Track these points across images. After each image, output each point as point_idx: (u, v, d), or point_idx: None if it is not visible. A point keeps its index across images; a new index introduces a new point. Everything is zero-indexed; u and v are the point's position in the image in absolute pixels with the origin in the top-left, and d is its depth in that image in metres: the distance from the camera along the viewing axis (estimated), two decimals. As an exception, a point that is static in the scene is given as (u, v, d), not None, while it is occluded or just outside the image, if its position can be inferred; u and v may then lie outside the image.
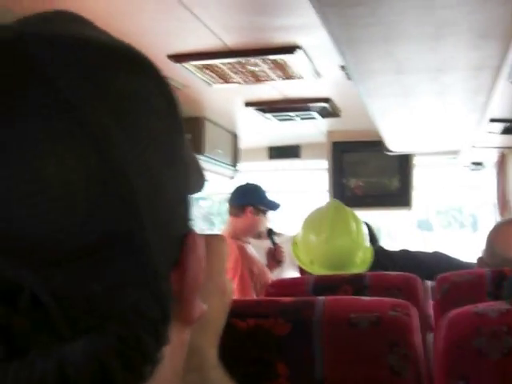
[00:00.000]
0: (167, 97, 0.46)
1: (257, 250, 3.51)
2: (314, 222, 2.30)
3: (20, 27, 0.40)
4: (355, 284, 1.93)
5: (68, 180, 0.36)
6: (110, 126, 0.38)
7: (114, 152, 0.38)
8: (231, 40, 2.26)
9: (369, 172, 4.12)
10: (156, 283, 0.41)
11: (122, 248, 0.38)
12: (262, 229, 3.56)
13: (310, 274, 2.22)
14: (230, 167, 3.95)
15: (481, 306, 1.26)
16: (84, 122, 0.37)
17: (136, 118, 0.40)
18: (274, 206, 3.56)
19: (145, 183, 0.39)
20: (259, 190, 3.56)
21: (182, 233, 0.45)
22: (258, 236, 3.57)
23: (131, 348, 0.39)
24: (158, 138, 0.42)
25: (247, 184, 3.62)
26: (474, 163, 4.40)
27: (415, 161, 4.06)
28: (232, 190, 3.62)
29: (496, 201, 4.34)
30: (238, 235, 3.44)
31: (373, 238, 3.12)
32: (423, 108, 2.41)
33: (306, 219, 2.34)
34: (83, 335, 0.37)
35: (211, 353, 0.71)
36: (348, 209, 2.33)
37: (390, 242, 3.61)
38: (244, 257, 3.35)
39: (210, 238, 0.72)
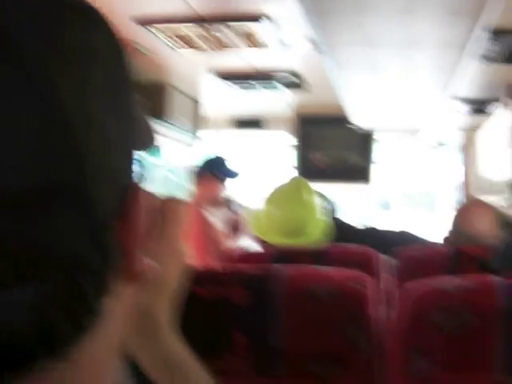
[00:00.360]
0: (116, 51, 0.46)
1: (215, 218, 3.54)
2: (273, 194, 2.37)
3: None
4: (316, 256, 1.94)
5: (11, 127, 0.35)
6: (53, 74, 0.38)
7: (57, 100, 0.37)
8: (198, 5, 2.22)
9: (332, 146, 4.15)
10: (98, 233, 0.40)
11: (64, 197, 0.38)
12: (219, 196, 3.59)
13: (267, 243, 2.25)
14: (191, 134, 3.92)
15: (438, 281, 1.27)
16: (27, 69, 0.37)
17: (81, 69, 0.40)
18: (232, 174, 3.59)
19: (89, 133, 0.39)
20: (218, 158, 3.59)
21: (125, 185, 0.45)
22: (215, 203, 3.59)
23: (71, 297, 0.39)
24: (104, 90, 0.42)
25: (211, 155, 3.65)
26: (436, 142, 4.45)
27: (378, 137, 4.10)
28: (194, 159, 3.63)
29: (457, 182, 4.40)
30: (200, 203, 3.46)
31: (336, 214, 3.16)
32: (389, 83, 2.41)
33: (268, 193, 2.39)
34: (24, 283, 0.36)
35: (165, 317, 0.70)
36: (303, 180, 2.38)
37: (350, 219, 3.65)
38: (205, 224, 3.38)
39: (168, 201, 0.72)
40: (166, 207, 0.71)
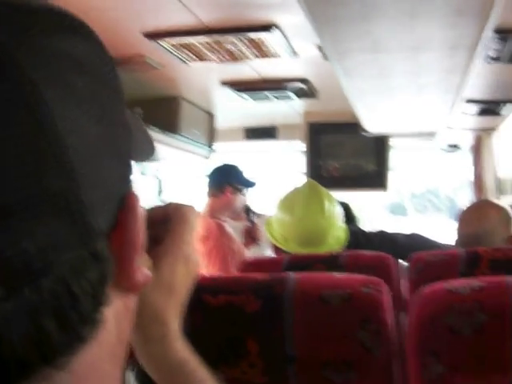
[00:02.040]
0: (104, 61, 0.46)
1: (233, 229, 3.53)
2: (289, 200, 2.32)
3: None
4: (329, 263, 1.93)
5: None
6: (40, 84, 0.38)
7: (43, 109, 0.37)
8: (207, 17, 2.23)
9: (345, 153, 4.12)
10: (92, 242, 0.40)
11: (56, 206, 0.37)
12: (237, 206, 3.58)
13: (285, 252, 2.23)
14: (206, 147, 3.93)
15: (453, 283, 1.26)
16: (13, 81, 0.37)
17: (68, 78, 0.40)
18: (250, 184, 3.60)
19: (77, 141, 0.39)
20: (236, 169, 3.59)
21: (121, 193, 0.45)
22: (236, 215, 3.59)
23: (67, 306, 0.38)
24: (91, 99, 0.42)
25: (224, 164, 3.64)
26: (451, 145, 4.42)
27: (391, 142, 4.08)
28: (209, 171, 3.62)
29: (468, 183, 4.37)
30: (216, 214, 3.46)
31: (351, 219, 3.13)
32: (399, 88, 2.41)
33: (282, 198, 2.36)
34: (16, 293, 0.36)
35: (174, 323, 0.70)
36: (322, 188, 2.34)
37: (363, 225, 3.63)
38: (224, 235, 3.38)
39: (181, 207, 0.72)
40: (176, 213, 0.71)
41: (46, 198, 0.37)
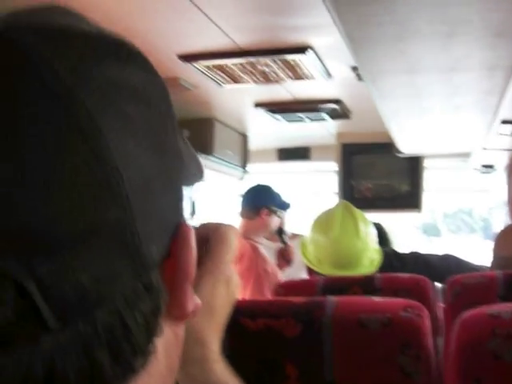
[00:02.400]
0: (157, 87, 0.45)
1: (266, 250, 3.52)
2: (323, 222, 2.30)
3: (9, 18, 0.40)
4: (365, 285, 1.91)
5: (54, 167, 0.35)
6: (96, 114, 0.37)
7: (100, 140, 0.37)
8: (242, 40, 2.25)
9: (378, 174, 4.10)
10: (146, 273, 0.40)
11: (111, 238, 0.37)
12: (272, 228, 3.57)
13: (319, 274, 2.22)
14: (240, 168, 3.94)
15: (494, 308, 1.24)
16: (70, 110, 0.36)
17: (124, 107, 0.40)
18: (285, 206, 3.58)
19: (132, 172, 0.39)
20: (271, 190, 3.58)
21: (173, 223, 0.44)
22: (268, 235, 3.58)
23: (120, 339, 0.38)
24: (146, 127, 0.41)
25: (259, 185, 3.63)
26: (485, 166, 4.36)
27: (427, 163, 4.04)
28: (243, 191, 3.62)
29: (506, 204, 4.30)
30: (251, 235, 3.45)
31: (385, 240, 3.11)
32: (434, 109, 2.39)
33: (315, 220, 2.34)
34: (71, 325, 0.35)
35: (215, 345, 0.69)
36: (356, 209, 2.32)
37: (396, 246, 3.59)
38: (259, 256, 3.37)
39: (220, 227, 0.71)
40: (215, 233, 0.70)
41: (101, 230, 0.36)
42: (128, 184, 0.38)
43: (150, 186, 0.40)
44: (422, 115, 2.51)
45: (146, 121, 0.42)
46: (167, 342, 0.45)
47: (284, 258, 3.55)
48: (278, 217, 3.56)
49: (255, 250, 3.40)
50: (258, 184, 3.66)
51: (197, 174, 0.54)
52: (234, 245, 0.71)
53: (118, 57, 0.42)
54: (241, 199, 3.60)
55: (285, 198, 3.64)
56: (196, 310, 0.47)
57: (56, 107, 0.36)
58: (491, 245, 2.30)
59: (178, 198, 0.46)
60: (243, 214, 3.53)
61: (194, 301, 0.47)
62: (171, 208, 0.44)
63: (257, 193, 3.57)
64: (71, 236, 0.35)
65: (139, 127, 0.41)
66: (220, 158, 3.57)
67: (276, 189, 3.61)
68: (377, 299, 1.28)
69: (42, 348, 0.34)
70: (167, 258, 0.43)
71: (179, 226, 0.45)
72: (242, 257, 3.33)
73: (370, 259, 2.27)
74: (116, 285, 0.37)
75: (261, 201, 3.51)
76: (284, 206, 3.58)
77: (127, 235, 0.38)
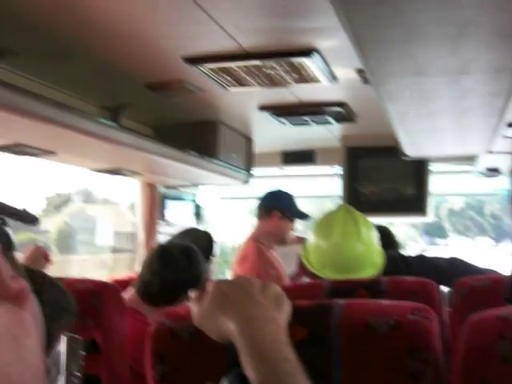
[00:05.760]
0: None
1: (284, 256, 3.51)
2: (324, 226, 2.28)
3: None
4: (371, 288, 1.90)
5: None
6: None
7: None
8: (247, 42, 2.25)
9: (383, 178, 4.09)
10: None
11: None
12: (286, 235, 3.56)
13: (321, 278, 2.20)
14: (244, 171, 3.94)
15: (503, 310, 1.23)
16: None
17: None
18: (301, 216, 3.57)
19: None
20: (289, 196, 3.57)
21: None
22: (282, 242, 3.57)
23: None
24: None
25: (278, 190, 3.64)
26: (490, 169, 4.35)
27: (433, 167, 4.03)
28: (261, 194, 3.63)
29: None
30: (260, 238, 3.46)
31: (392, 243, 3.09)
32: (441, 112, 2.38)
33: (316, 223, 2.33)
34: None
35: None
36: (357, 212, 2.30)
37: (402, 249, 3.57)
38: (261, 258, 3.37)
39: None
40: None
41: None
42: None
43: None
44: (429, 118, 2.50)
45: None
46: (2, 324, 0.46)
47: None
48: (291, 222, 3.55)
49: (260, 252, 3.41)
50: (278, 189, 3.66)
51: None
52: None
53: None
54: (258, 201, 3.62)
55: (302, 207, 3.63)
56: (25, 290, 0.47)
57: None
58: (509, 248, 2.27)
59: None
60: (258, 215, 3.55)
61: (18, 281, 0.47)
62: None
63: (273, 195, 3.59)
64: None
65: None
66: (224, 161, 3.57)
67: (295, 198, 3.60)
68: (384, 302, 1.27)
69: None
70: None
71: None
72: (245, 257, 3.35)
73: (372, 262, 2.25)
74: None
75: (275, 203, 3.52)
76: (299, 215, 3.57)
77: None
